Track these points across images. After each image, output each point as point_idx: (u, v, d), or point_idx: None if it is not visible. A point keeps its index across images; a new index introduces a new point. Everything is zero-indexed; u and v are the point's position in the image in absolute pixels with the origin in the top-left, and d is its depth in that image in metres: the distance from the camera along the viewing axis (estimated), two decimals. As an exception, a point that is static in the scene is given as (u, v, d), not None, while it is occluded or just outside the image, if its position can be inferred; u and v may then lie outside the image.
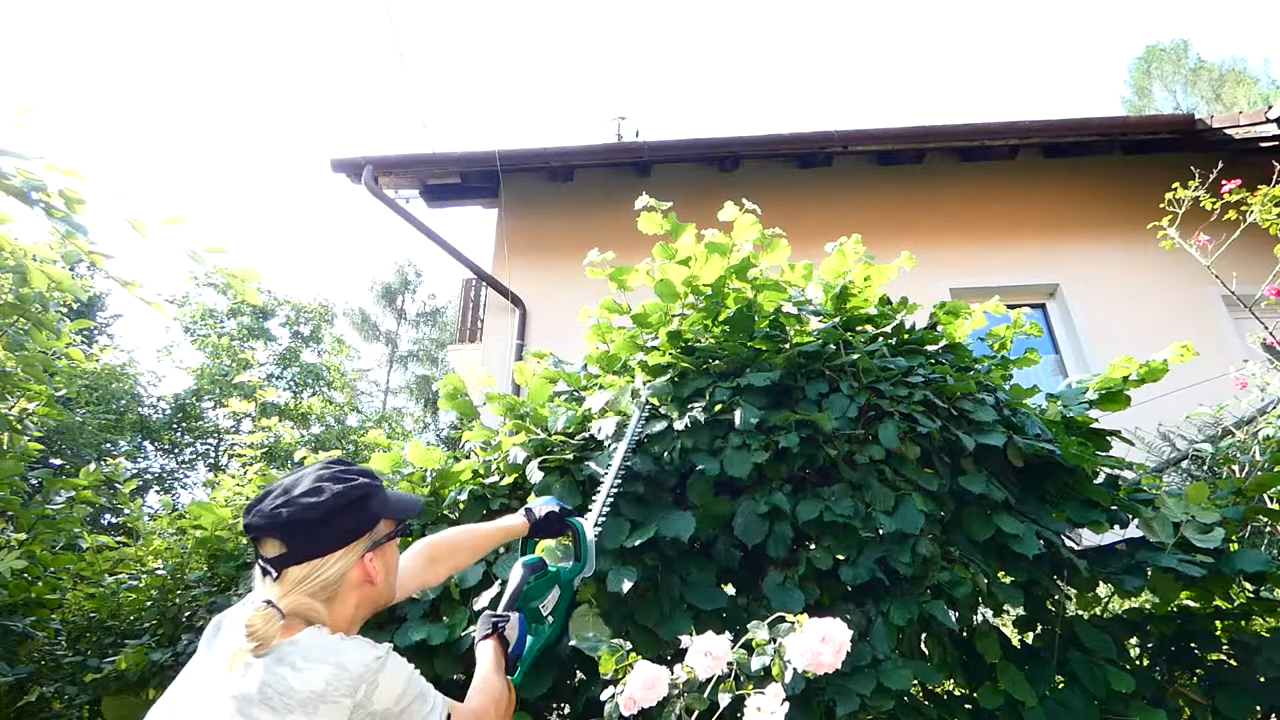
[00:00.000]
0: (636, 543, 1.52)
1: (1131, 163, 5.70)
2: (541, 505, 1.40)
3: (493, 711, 1.05)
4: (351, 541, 0.99)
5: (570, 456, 1.75)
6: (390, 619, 1.62)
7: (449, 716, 0.95)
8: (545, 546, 1.51)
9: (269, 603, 0.90)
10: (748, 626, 1.13)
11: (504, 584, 1.40)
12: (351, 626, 0.99)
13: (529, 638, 1.21)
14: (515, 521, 1.38)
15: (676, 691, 1.07)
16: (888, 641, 1.41)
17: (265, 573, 0.95)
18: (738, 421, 1.65)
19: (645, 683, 1.05)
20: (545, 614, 1.26)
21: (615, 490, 1.58)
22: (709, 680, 1.06)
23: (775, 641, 1.08)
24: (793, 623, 1.08)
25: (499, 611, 1.21)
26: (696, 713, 1.05)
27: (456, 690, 1.62)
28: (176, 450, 13.27)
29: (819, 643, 1.00)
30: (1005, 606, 1.60)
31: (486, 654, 1.15)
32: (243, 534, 2.37)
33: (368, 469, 1.07)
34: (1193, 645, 1.65)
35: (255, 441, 4.00)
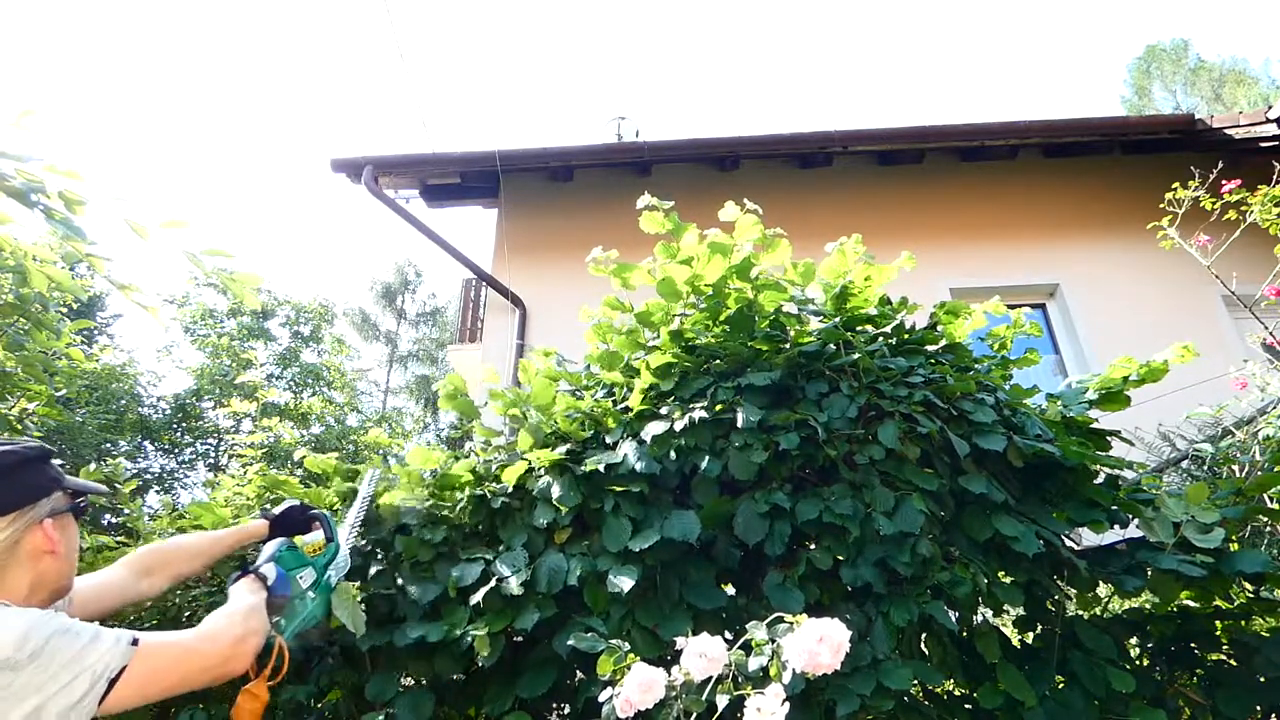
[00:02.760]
0: (639, 548, 1.51)
1: (1131, 163, 5.70)
2: (281, 505, 1.43)
3: (224, 624, 0.96)
4: (28, 503, 0.92)
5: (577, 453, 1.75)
6: (390, 619, 1.62)
7: (135, 642, 0.85)
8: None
9: None
10: (746, 627, 1.13)
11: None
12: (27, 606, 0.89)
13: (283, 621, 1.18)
14: (252, 525, 1.40)
15: (674, 693, 1.06)
16: (888, 641, 1.41)
17: None
18: (740, 421, 1.65)
19: (642, 685, 1.05)
20: (305, 588, 1.24)
21: (368, 498, 1.65)
22: (707, 681, 1.06)
23: (773, 642, 1.08)
24: (791, 623, 1.08)
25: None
26: (695, 715, 1.05)
27: (455, 690, 1.63)
28: (176, 450, 13.24)
29: (816, 643, 0.99)
30: (1005, 606, 1.60)
31: (239, 587, 1.09)
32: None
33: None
34: (1193, 645, 1.65)
35: (255, 442, 4.00)
